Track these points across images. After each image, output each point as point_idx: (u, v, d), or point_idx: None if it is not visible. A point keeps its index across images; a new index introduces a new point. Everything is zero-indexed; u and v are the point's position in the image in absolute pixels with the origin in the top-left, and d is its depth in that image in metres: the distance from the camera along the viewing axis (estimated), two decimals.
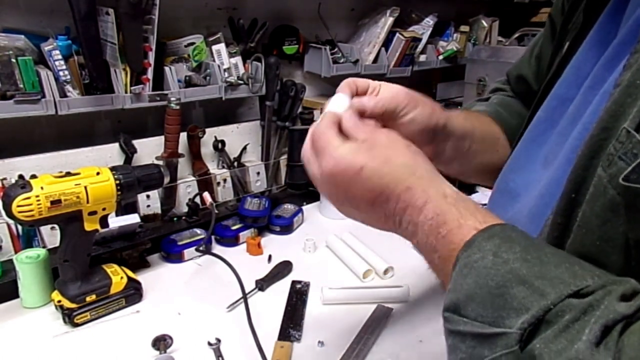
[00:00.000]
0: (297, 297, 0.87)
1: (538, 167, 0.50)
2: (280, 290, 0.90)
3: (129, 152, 1.05)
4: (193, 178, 1.15)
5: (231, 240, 1.06)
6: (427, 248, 0.41)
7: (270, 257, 1.01)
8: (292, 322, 0.80)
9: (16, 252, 0.89)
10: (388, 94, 0.54)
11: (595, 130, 0.37)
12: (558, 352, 0.29)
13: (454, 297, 0.36)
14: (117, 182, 0.80)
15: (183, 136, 1.11)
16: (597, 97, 0.42)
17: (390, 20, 1.45)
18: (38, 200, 0.71)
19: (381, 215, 0.45)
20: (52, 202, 0.72)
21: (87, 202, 0.76)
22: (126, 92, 0.99)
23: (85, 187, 0.76)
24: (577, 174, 0.37)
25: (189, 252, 1.00)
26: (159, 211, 1.09)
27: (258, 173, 1.27)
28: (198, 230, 1.06)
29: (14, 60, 0.86)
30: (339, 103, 0.51)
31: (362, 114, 0.51)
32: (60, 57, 0.91)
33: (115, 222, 0.91)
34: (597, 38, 0.49)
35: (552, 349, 0.30)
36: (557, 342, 0.30)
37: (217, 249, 1.05)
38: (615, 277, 0.33)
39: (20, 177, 0.92)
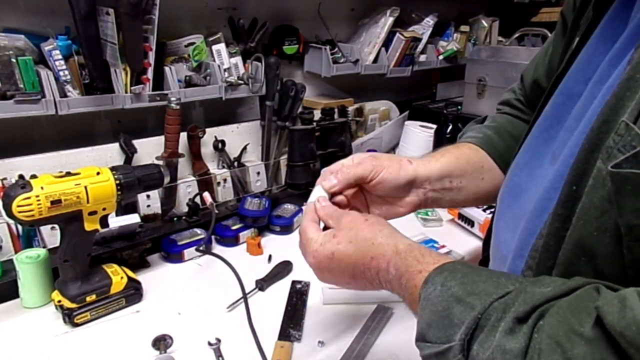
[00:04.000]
0: (297, 297, 0.87)
1: (545, 163, 0.50)
2: (281, 290, 0.90)
3: (129, 152, 1.05)
4: (193, 178, 1.15)
5: (231, 240, 1.06)
6: (400, 296, 0.50)
7: (270, 257, 1.01)
8: (292, 322, 0.80)
9: (16, 252, 0.89)
10: (354, 164, 0.62)
11: (596, 123, 0.37)
12: (487, 347, 0.35)
13: (419, 327, 0.43)
14: (117, 182, 0.80)
15: (183, 136, 1.11)
16: (602, 91, 0.42)
17: (391, 20, 1.45)
18: (38, 200, 0.71)
19: (366, 283, 0.53)
20: (52, 202, 0.72)
21: (87, 202, 0.76)
22: (126, 92, 0.99)
23: (86, 187, 0.76)
24: (578, 167, 0.38)
25: (189, 252, 1.00)
26: (159, 211, 1.09)
27: (258, 173, 1.27)
28: (198, 230, 1.06)
29: (14, 60, 0.86)
30: (318, 193, 0.61)
31: (335, 192, 0.61)
32: (60, 57, 0.91)
33: (116, 222, 0.91)
34: (605, 33, 0.49)
35: (483, 346, 0.36)
36: (487, 340, 0.36)
37: (217, 249, 1.05)
38: (536, 278, 0.39)
39: (20, 177, 0.92)
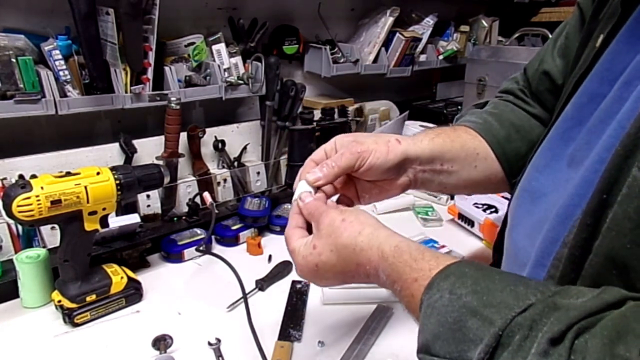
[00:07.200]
0: (297, 297, 0.87)
1: (563, 166, 0.48)
2: (281, 290, 0.90)
3: (129, 152, 1.05)
4: (193, 178, 1.15)
5: (231, 240, 1.06)
6: (396, 297, 0.47)
7: (270, 257, 1.01)
8: (292, 322, 0.80)
9: (16, 252, 0.89)
10: (339, 154, 0.59)
11: (632, 128, 0.35)
12: None
13: (423, 338, 0.39)
14: (117, 182, 0.80)
15: (183, 136, 1.11)
16: (634, 94, 0.40)
17: (390, 20, 1.45)
18: (38, 200, 0.71)
19: (361, 282, 0.51)
20: (52, 202, 0.72)
21: (87, 202, 0.76)
22: (126, 92, 0.99)
23: (86, 187, 0.76)
24: (610, 174, 0.36)
25: (189, 252, 1.00)
26: (159, 211, 1.09)
27: (258, 173, 1.27)
28: (198, 230, 1.06)
29: (14, 60, 0.86)
30: (302, 188, 0.58)
31: (320, 186, 0.58)
32: (60, 57, 0.91)
33: (116, 222, 0.91)
34: (634, 31, 0.46)
35: None
36: None
37: (217, 248, 1.05)
38: (560, 288, 0.35)
39: (21, 177, 0.92)
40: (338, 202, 0.63)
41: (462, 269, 0.40)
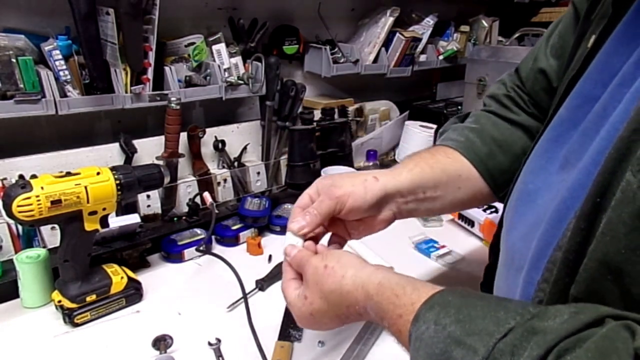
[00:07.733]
0: None
1: (557, 168, 0.48)
2: (281, 290, 0.89)
3: (129, 152, 1.05)
4: (193, 178, 1.15)
5: (231, 240, 1.06)
6: (389, 333, 0.49)
7: (270, 257, 1.01)
8: (292, 322, 0.80)
9: (16, 252, 0.89)
10: (318, 201, 0.60)
11: (625, 131, 0.35)
12: None
13: None
14: (118, 182, 0.80)
15: (183, 136, 1.11)
16: (627, 96, 0.40)
17: (391, 20, 1.45)
18: (38, 200, 0.71)
19: (358, 320, 0.52)
20: (53, 202, 0.72)
21: (88, 202, 0.76)
22: (126, 92, 0.99)
23: (86, 187, 0.76)
24: (603, 178, 0.36)
25: (189, 252, 1.00)
26: (159, 211, 1.09)
27: (258, 173, 1.27)
28: (198, 230, 1.06)
29: (14, 60, 0.86)
30: (288, 239, 0.60)
31: (306, 234, 0.59)
32: (60, 57, 0.91)
33: (116, 222, 0.91)
34: (627, 32, 0.46)
35: None
36: None
37: (217, 249, 1.05)
38: (539, 309, 0.36)
39: (21, 177, 0.92)
40: (330, 241, 0.65)
41: (446, 298, 0.41)
